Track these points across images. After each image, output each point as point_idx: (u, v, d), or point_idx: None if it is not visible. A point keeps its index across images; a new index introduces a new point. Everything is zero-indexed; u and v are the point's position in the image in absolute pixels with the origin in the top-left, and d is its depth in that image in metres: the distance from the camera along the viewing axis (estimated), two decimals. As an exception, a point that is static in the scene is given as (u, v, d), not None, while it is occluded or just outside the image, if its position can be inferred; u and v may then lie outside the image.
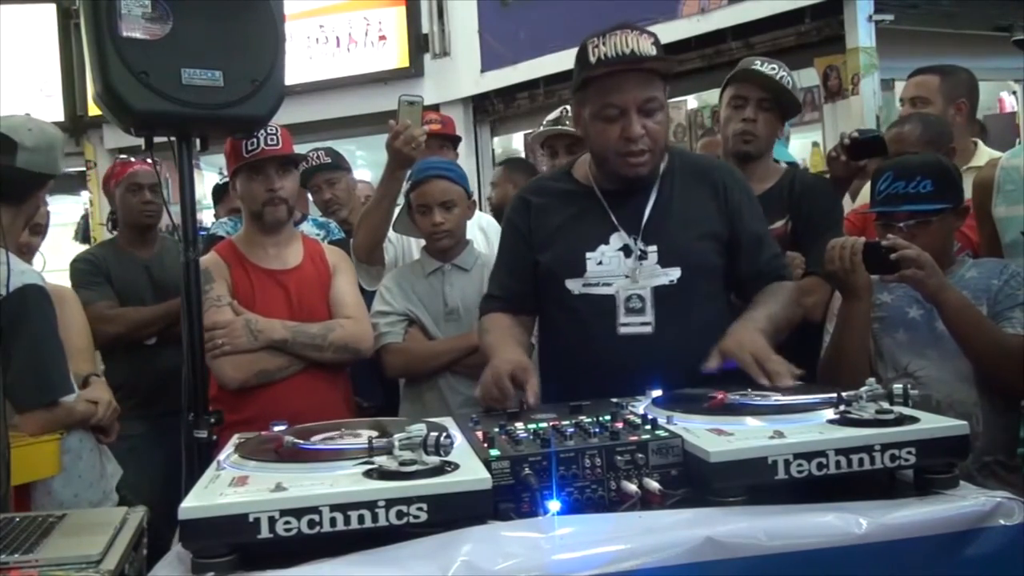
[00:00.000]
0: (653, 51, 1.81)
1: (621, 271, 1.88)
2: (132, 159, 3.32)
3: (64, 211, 5.97)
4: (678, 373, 1.72)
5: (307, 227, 3.19)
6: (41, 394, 2.09)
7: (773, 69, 2.33)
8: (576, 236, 1.93)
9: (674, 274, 1.88)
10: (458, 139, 3.32)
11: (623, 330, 1.85)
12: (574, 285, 1.90)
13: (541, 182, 2.14)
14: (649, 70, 1.82)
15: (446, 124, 3.26)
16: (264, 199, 2.45)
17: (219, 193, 3.71)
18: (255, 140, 2.42)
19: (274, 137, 2.44)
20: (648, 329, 1.85)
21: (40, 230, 2.79)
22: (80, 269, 3.06)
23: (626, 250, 1.89)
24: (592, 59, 1.81)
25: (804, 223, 2.29)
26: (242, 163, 2.44)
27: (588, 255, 1.89)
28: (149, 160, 3.20)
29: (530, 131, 5.74)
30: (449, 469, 1.23)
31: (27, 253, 2.42)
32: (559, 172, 2.12)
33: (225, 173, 3.27)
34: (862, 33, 4.15)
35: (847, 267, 1.93)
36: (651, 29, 1.87)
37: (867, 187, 2.63)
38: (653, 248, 1.88)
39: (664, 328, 1.85)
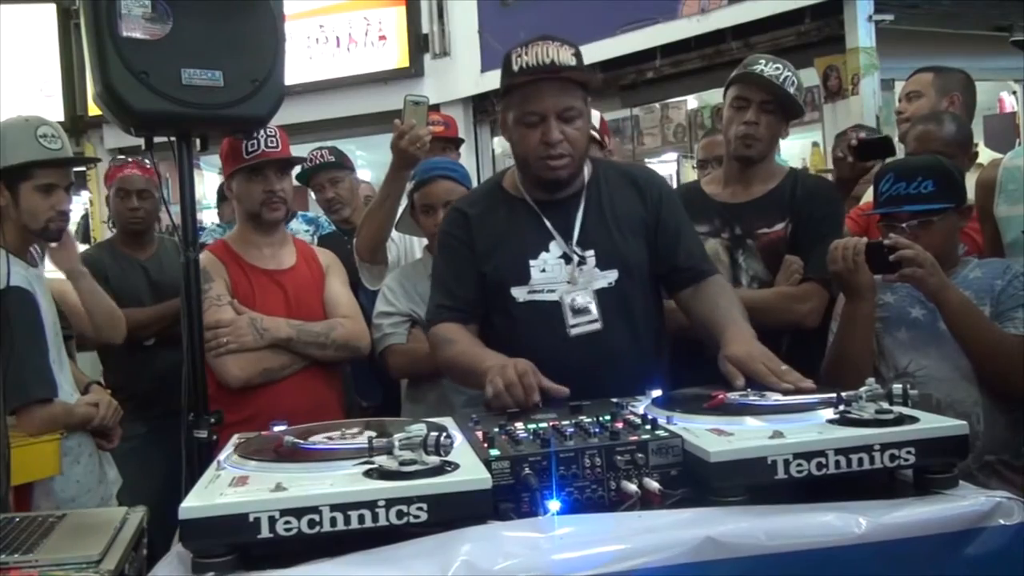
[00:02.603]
0: (572, 62, 1.88)
1: (563, 277, 1.93)
2: (129, 160, 3.31)
3: (64, 211, 5.96)
4: (627, 369, 1.80)
5: (296, 224, 3.20)
6: (14, 396, 2.07)
7: (777, 70, 2.29)
8: (517, 245, 1.97)
9: (612, 276, 1.94)
10: (461, 141, 3.31)
11: (574, 331, 1.90)
12: (519, 292, 1.94)
13: (473, 196, 2.17)
14: (567, 79, 1.88)
15: (449, 126, 3.26)
16: (262, 200, 2.46)
17: (223, 193, 3.71)
18: (255, 142, 2.42)
19: (274, 139, 2.44)
20: (597, 326, 1.90)
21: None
22: None
23: (566, 257, 1.94)
24: (515, 67, 1.88)
25: (804, 227, 2.27)
26: (242, 165, 2.45)
27: (531, 263, 1.94)
28: (144, 161, 3.20)
29: (530, 131, 5.73)
30: (449, 469, 1.23)
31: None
32: (489, 185, 2.17)
33: (226, 173, 3.27)
34: (862, 33, 4.15)
35: (850, 267, 1.93)
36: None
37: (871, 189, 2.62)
38: (590, 253, 1.94)
39: (611, 326, 1.91)
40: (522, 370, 1.66)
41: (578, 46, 1.92)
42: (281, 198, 2.48)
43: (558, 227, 1.96)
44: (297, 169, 3.29)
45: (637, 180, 2.06)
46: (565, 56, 1.87)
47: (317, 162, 3.43)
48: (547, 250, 1.95)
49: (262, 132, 2.41)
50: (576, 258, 1.94)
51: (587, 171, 2.02)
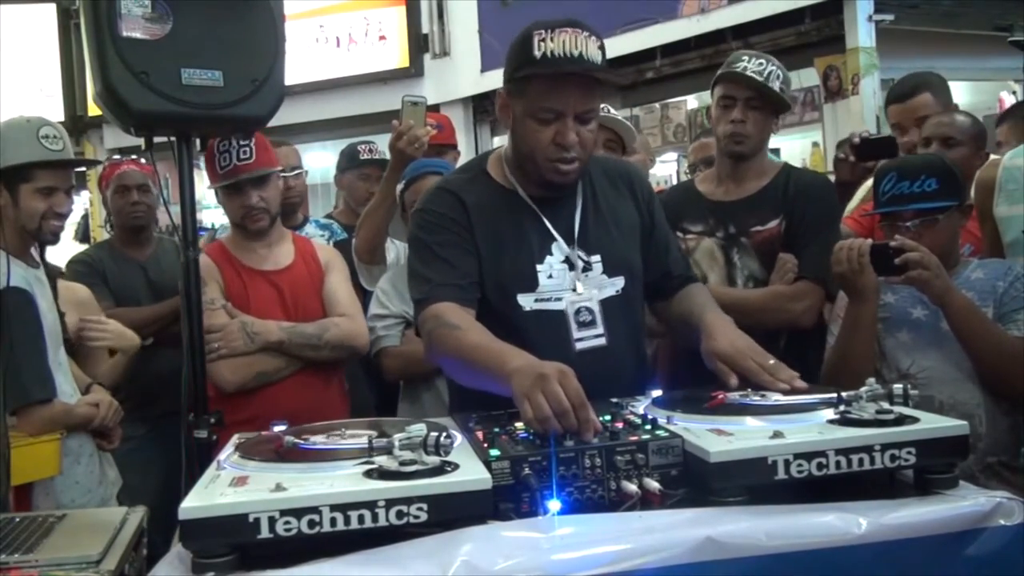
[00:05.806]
0: (599, 57, 1.69)
1: (567, 284, 1.78)
2: (122, 159, 3.31)
3: (64, 211, 5.96)
4: (629, 381, 1.71)
5: (310, 229, 3.19)
6: (13, 397, 2.06)
7: (760, 66, 2.26)
8: (523, 246, 1.79)
9: (619, 283, 1.82)
10: (453, 145, 3.30)
11: (580, 345, 1.75)
12: (526, 301, 1.76)
13: (459, 180, 1.88)
14: (594, 79, 1.71)
15: (443, 129, 3.24)
16: (243, 214, 2.45)
17: None
18: (227, 155, 2.37)
19: (247, 150, 2.38)
20: (602, 341, 1.77)
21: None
22: (76, 271, 3.05)
23: (568, 262, 1.79)
24: (536, 53, 1.66)
25: (798, 224, 2.25)
26: (218, 184, 2.43)
27: (538, 267, 1.78)
28: (139, 159, 3.20)
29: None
30: (449, 469, 1.22)
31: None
32: (473, 171, 1.90)
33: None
34: (862, 33, 4.15)
35: (855, 268, 1.92)
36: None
37: (864, 186, 2.62)
38: (596, 258, 1.81)
39: (615, 338, 1.79)
40: (575, 396, 1.35)
41: (603, 40, 1.74)
42: (261, 208, 2.44)
43: (559, 228, 1.81)
44: (302, 168, 3.28)
45: (628, 177, 1.94)
46: (593, 50, 1.67)
47: (376, 156, 3.41)
48: (551, 253, 1.79)
49: (234, 143, 2.36)
50: (581, 263, 1.80)
51: None
